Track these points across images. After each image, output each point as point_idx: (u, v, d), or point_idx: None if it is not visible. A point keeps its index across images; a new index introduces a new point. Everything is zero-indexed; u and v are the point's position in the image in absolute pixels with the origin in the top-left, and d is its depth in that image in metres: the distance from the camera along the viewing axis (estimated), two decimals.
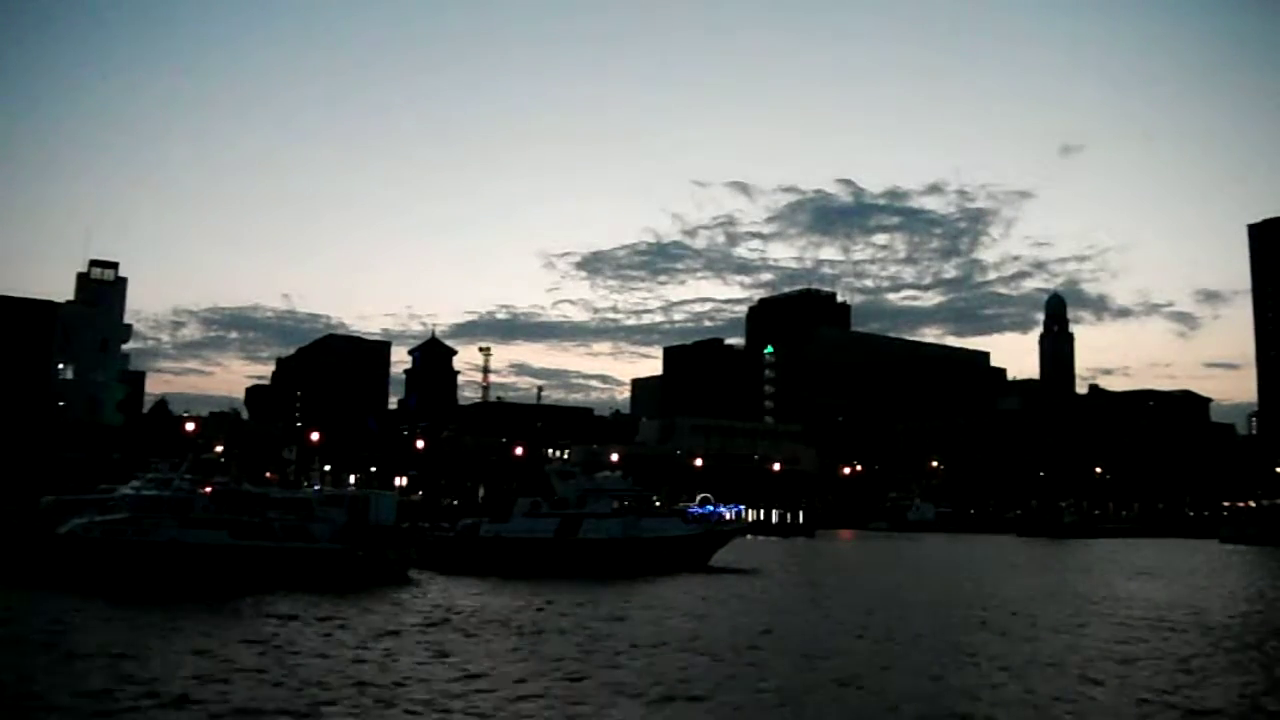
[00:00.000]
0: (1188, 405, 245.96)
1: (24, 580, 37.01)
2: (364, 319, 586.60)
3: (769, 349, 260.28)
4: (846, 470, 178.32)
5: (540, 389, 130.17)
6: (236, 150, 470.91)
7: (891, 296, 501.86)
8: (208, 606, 33.12)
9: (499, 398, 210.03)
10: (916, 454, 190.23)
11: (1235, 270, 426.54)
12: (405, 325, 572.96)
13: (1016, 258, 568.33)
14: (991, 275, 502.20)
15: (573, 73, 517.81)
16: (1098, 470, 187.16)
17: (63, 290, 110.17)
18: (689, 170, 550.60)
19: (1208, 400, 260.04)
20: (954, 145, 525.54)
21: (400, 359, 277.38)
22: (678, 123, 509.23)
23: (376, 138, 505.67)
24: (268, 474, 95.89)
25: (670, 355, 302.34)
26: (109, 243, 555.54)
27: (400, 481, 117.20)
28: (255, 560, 41.51)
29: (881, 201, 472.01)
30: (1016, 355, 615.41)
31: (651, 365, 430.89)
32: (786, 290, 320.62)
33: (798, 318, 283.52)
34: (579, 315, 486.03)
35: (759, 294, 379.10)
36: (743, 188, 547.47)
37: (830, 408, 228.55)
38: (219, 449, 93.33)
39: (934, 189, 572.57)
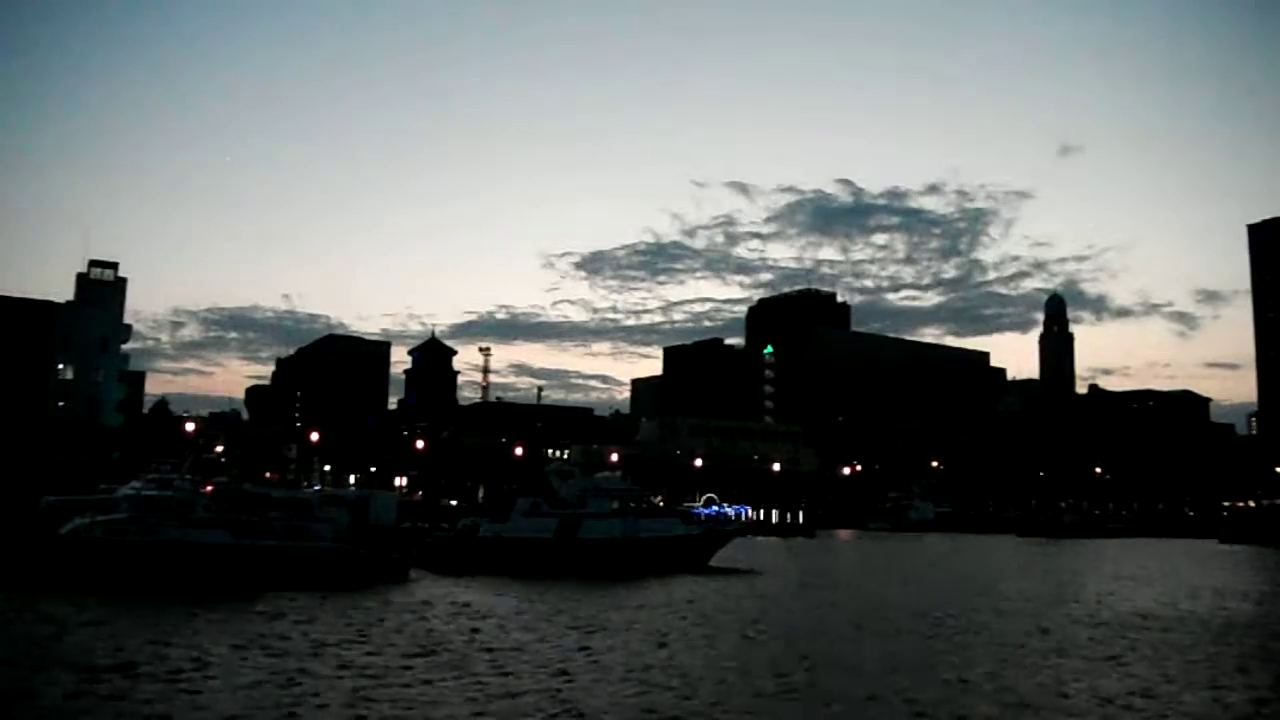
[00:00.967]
0: (1187, 405, 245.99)
1: (25, 581, 37.04)
2: (364, 319, 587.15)
3: (769, 349, 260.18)
4: (846, 470, 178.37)
5: (540, 389, 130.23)
6: (237, 150, 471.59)
7: (891, 296, 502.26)
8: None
9: (499, 398, 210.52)
10: (916, 454, 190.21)
11: (1235, 270, 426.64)
12: (405, 325, 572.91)
13: (1016, 258, 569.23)
14: (991, 275, 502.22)
15: (573, 73, 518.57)
16: (1098, 470, 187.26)
17: (63, 290, 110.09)
18: (688, 170, 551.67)
19: (1207, 400, 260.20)
20: (953, 145, 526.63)
21: (400, 359, 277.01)
22: (678, 123, 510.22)
23: (376, 138, 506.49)
24: (268, 474, 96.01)
25: (670, 355, 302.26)
26: (109, 243, 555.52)
27: (400, 481, 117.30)
28: (256, 560, 41.59)
29: (881, 201, 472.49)
30: (1016, 355, 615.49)
31: (651, 365, 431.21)
32: (786, 290, 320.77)
33: (797, 318, 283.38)
34: (579, 315, 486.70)
35: (759, 294, 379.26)
36: (742, 188, 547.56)
37: (830, 408, 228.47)
38: (219, 449, 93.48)
39: (933, 189, 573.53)
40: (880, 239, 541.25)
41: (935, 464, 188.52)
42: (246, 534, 42.65)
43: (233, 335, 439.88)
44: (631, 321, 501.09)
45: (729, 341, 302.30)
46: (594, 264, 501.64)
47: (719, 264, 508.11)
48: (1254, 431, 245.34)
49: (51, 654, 23.90)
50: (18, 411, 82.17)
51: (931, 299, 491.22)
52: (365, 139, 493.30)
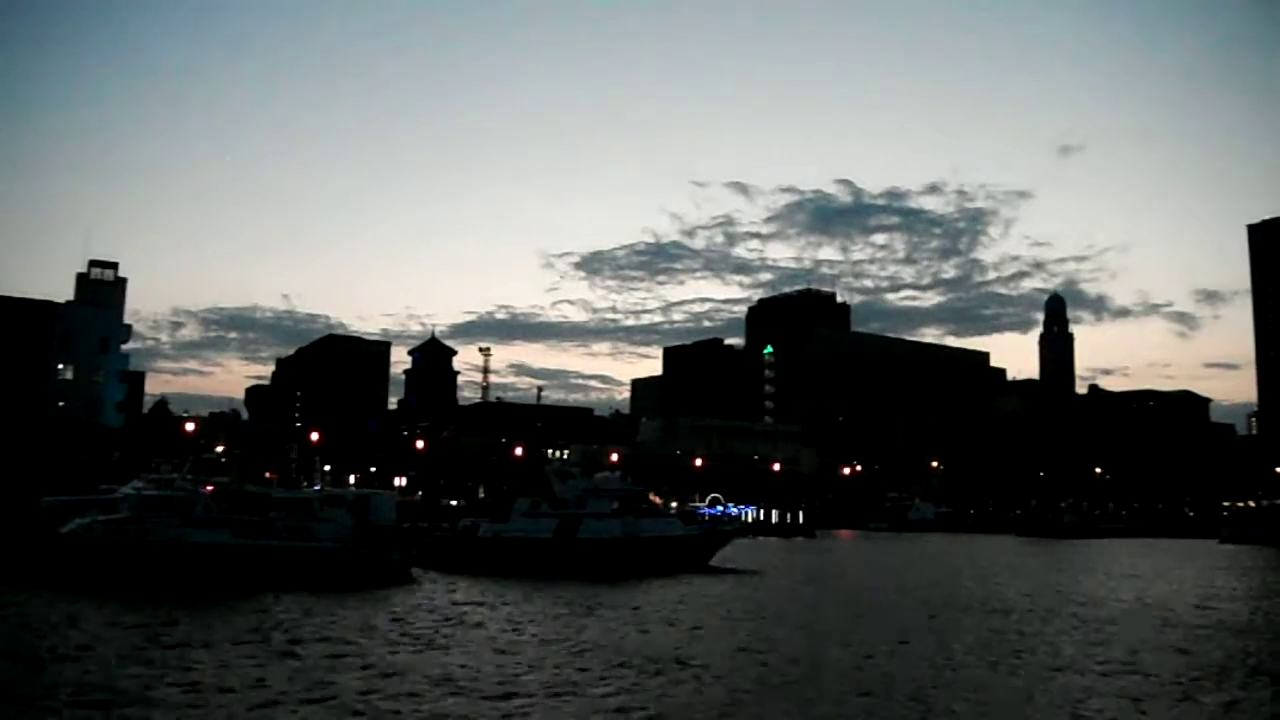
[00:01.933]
0: (1187, 405, 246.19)
1: (26, 580, 37.08)
2: (364, 319, 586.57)
3: (768, 349, 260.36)
4: (846, 470, 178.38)
5: (540, 389, 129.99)
6: (236, 151, 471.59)
7: (891, 296, 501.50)
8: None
9: (499, 398, 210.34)
10: (916, 454, 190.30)
11: (1235, 270, 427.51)
12: (405, 325, 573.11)
13: (1016, 258, 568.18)
14: (991, 275, 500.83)
15: (572, 73, 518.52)
16: (1098, 470, 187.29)
17: (63, 290, 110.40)
18: (688, 170, 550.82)
19: (1207, 400, 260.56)
20: (953, 145, 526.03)
21: (400, 359, 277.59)
22: (677, 123, 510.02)
23: (376, 138, 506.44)
24: (268, 474, 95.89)
25: (670, 355, 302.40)
26: (109, 243, 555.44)
27: (400, 482, 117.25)
28: (258, 560, 41.63)
29: (880, 201, 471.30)
30: (1016, 355, 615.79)
31: (651, 365, 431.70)
32: (786, 290, 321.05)
33: (797, 318, 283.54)
34: (578, 315, 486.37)
35: (758, 294, 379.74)
36: (741, 188, 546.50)
37: (830, 408, 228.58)
38: (219, 449, 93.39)
39: (933, 189, 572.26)
40: (880, 239, 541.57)
41: (935, 464, 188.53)
42: (247, 534, 42.65)
43: (233, 335, 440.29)
44: (631, 321, 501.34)
45: (729, 341, 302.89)
46: (594, 264, 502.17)
47: (718, 264, 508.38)
48: (1254, 431, 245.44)
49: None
50: (18, 412, 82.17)
51: (931, 299, 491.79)
52: (365, 139, 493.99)
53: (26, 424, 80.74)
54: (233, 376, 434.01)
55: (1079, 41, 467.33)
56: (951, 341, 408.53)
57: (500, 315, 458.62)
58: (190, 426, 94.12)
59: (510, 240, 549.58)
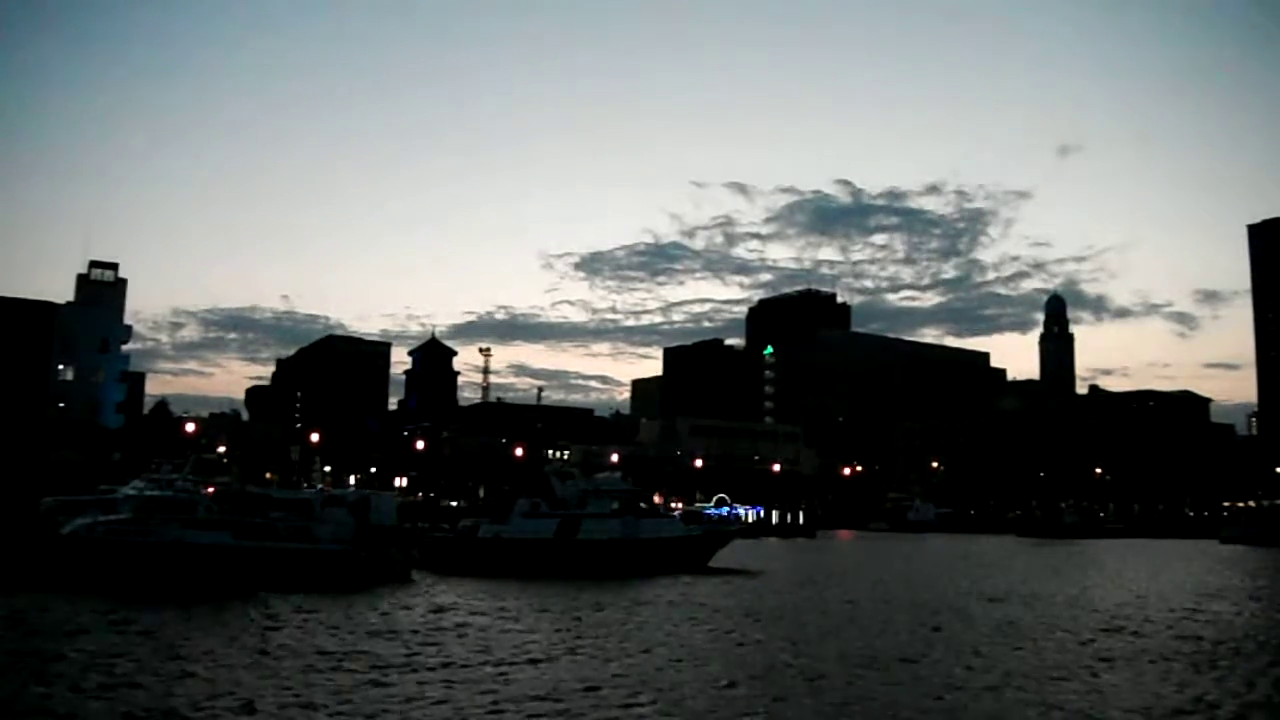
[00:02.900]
0: (1187, 405, 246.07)
1: (26, 582, 37.07)
2: (363, 319, 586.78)
3: (769, 350, 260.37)
4: (846, 470, 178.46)
5: (540, 389, 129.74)
6: (236, 151, 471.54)
7: (891, 297, 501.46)
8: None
9: (499, 398, 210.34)
10: (916, 454, 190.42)
11: (1235, 270, 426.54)
12: (404, 326, 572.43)
13: (1015, 258, 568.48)
14: (990, 275, 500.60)
15: (572, 73, 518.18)
16: (1098, 470, 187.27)
17: (63, 291, 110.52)
18: (688, 170, 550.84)
19: (1207, 400, 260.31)
20: (952, 145, 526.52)
21: (400, 360, 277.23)
22: (677, 123, 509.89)
23: (376, 138, 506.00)
24: (268, 474, 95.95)
25: (670, 356, 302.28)
26: (109, 243, 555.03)
27: (400, 482, 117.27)
28: (258, 561, 41.62)
29: (880, 202, 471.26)
30: (1016, 355, 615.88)
31: (651, 366, 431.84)
32: (786, 291, 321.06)
33: (797, 318, 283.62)
34: (578, 316, 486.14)
35: (758, 294, 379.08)
36: (741, 188, 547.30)
37: (830, 408, 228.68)
38: (220, 450, 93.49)
39: (932, 189, 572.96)
40: (880, 239, 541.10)
41: (935, 464, 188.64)
42: (248, 535, 42.66)
43: (232, 336, 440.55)
44: (631, 322, 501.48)
45: (729, 342, 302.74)
46: (593, 264, 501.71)
47: (718, 264, 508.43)
48: (1254, 431, 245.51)
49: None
50: (18, 412, 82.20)
51: (931, 299, 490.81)
52: (365, 140, 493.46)
53: (26, 424, 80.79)
54: (233, 377, 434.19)
55: (1079, 41, 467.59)
56: (951, 342, 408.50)
57: (500, 316, 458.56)
58: (190, 427, 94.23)
59: (510, 240, 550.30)
